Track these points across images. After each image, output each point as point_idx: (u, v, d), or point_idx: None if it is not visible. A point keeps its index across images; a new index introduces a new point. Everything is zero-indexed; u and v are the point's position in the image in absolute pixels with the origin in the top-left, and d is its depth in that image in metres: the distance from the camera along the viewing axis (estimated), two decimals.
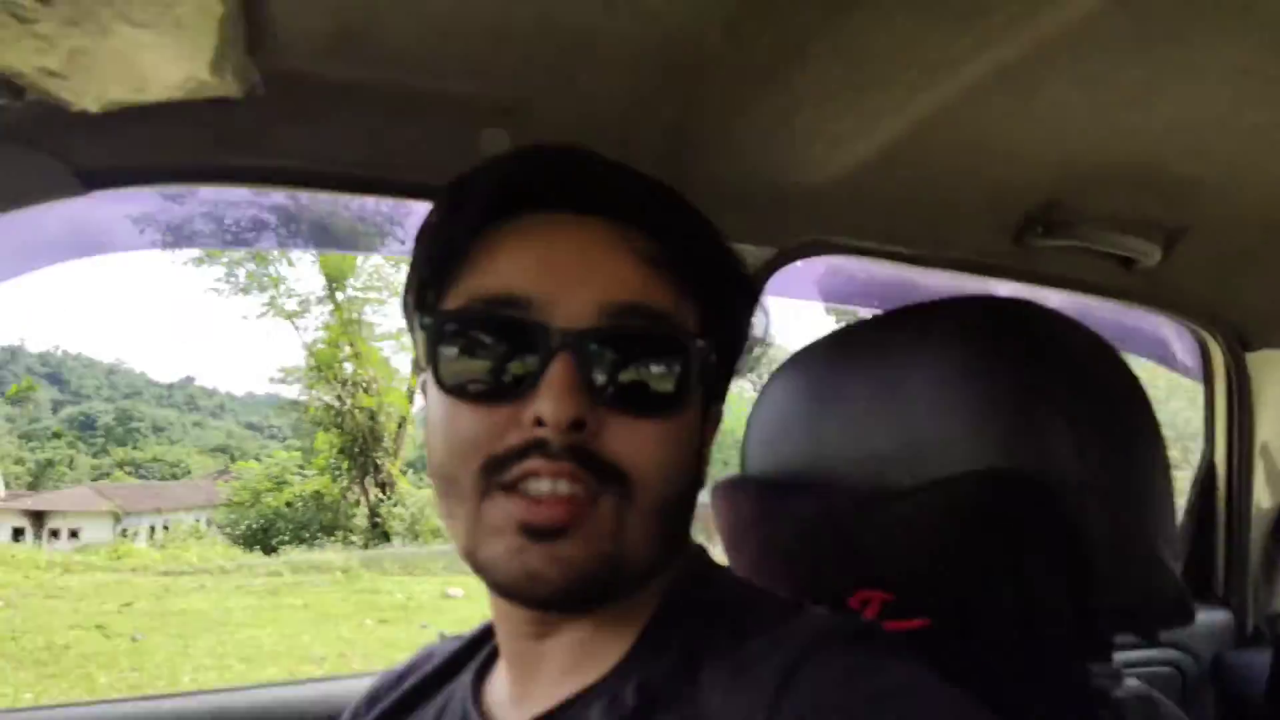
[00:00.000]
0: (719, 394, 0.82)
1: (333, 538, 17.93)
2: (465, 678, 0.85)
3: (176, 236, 1.57)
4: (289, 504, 21.48)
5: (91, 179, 0.96)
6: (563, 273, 0.69)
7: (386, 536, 19.45)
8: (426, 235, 0.76)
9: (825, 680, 0.61)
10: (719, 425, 0.83)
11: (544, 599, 0.68)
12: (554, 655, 0.74)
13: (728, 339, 0.79)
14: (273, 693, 1.41)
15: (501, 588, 0.69)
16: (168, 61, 0.82)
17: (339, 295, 22.63)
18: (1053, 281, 1.62)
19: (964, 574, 0.80)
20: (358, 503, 21.36)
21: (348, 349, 22.38)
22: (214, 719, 1.32)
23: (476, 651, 0.88)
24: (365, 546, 16.16)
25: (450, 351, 0.70)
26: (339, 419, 22.19)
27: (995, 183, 1.35)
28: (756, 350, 0.85)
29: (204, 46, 0.82)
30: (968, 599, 0.80)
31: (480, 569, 0.69)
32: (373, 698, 0.93)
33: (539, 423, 0.65)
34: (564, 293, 0.68)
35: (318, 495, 21.43)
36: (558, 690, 0.72)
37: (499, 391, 0.68)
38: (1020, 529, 0.77)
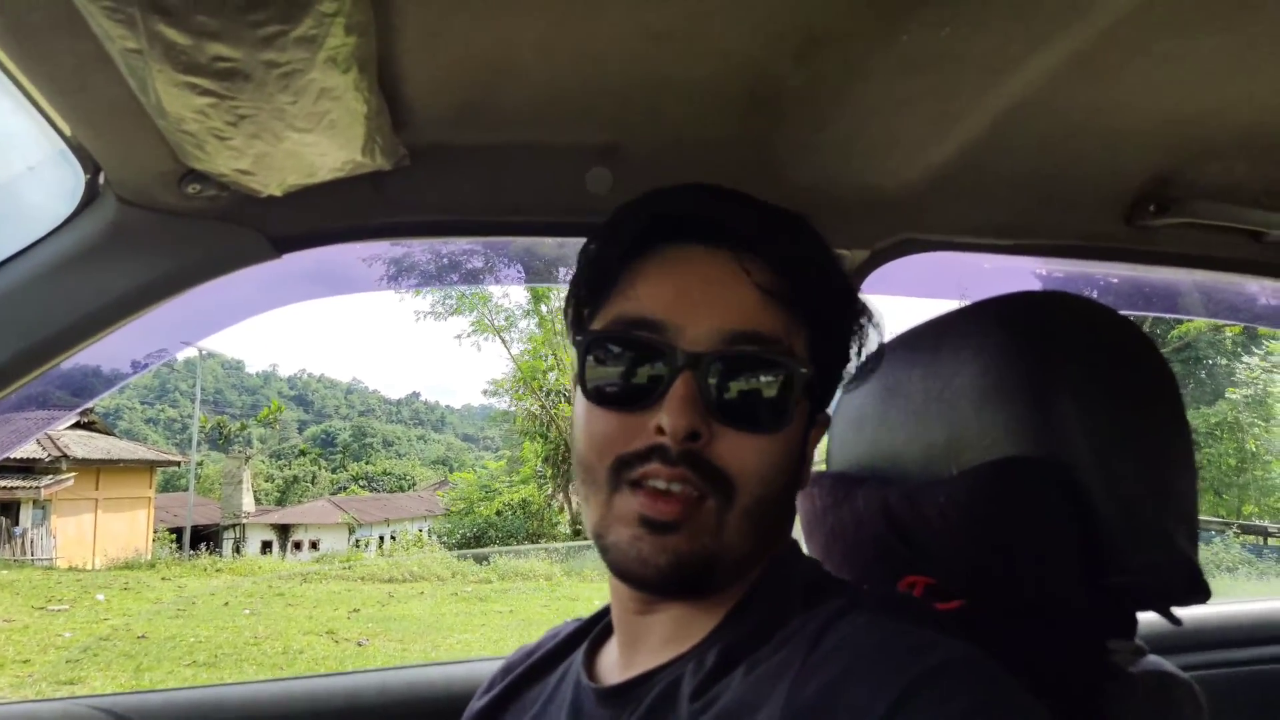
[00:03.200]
0: (824, 403, 0.91)
1: (538, 545, 18.59)
2: (581, 649, 0.99)
3: (399, 271, 1.84)
4: (498, 512, 22.36)
5: (282, 244, 1.20)
6: (690, 301, 0.81)
7: (588, 544, 19.85)
8: (584, 262, 0.90)
9: (848, 633, 0.72)
10: (825, 429, 0.93)
11: (651, 581, 0.80)
12: (655, 629, 0.87)
13: (833, 358, 0.88)
14: (419, 673, 1.61)
15: (618, 568, 0.82)
16: (329, 152, 1.05)
17: (543, 308, 23.58)
18: (1174, 260, 1.57)
19: (988, 555, 0.87)
20: (561, 510, 22.13)
21: (550, 359, 23.22)
22: (355, 694, 1.52)
23: (592, 629, 1.03)
24: (567, 555, 16.78)
25: (595, 363, 0.84)
26: (543, 428, 23.05)
27: (1096, 165, 1.35)
28: (868, 364, 0.93)
29: (355, 136, 1.03)
30: (993, 578, 0.87)
31: (604, 550, 0.83)
32: (506, 669, 1.08)
33: (660, 431, 0.78)
34: (690, 319, 0.80)
35: (524, 503, 22.25)
36: (656, 657, 0.85)
37: (631, 400, 0.81)
38: (1035, 512, 0.83)
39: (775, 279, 0.82)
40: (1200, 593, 0.82)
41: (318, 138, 0.99)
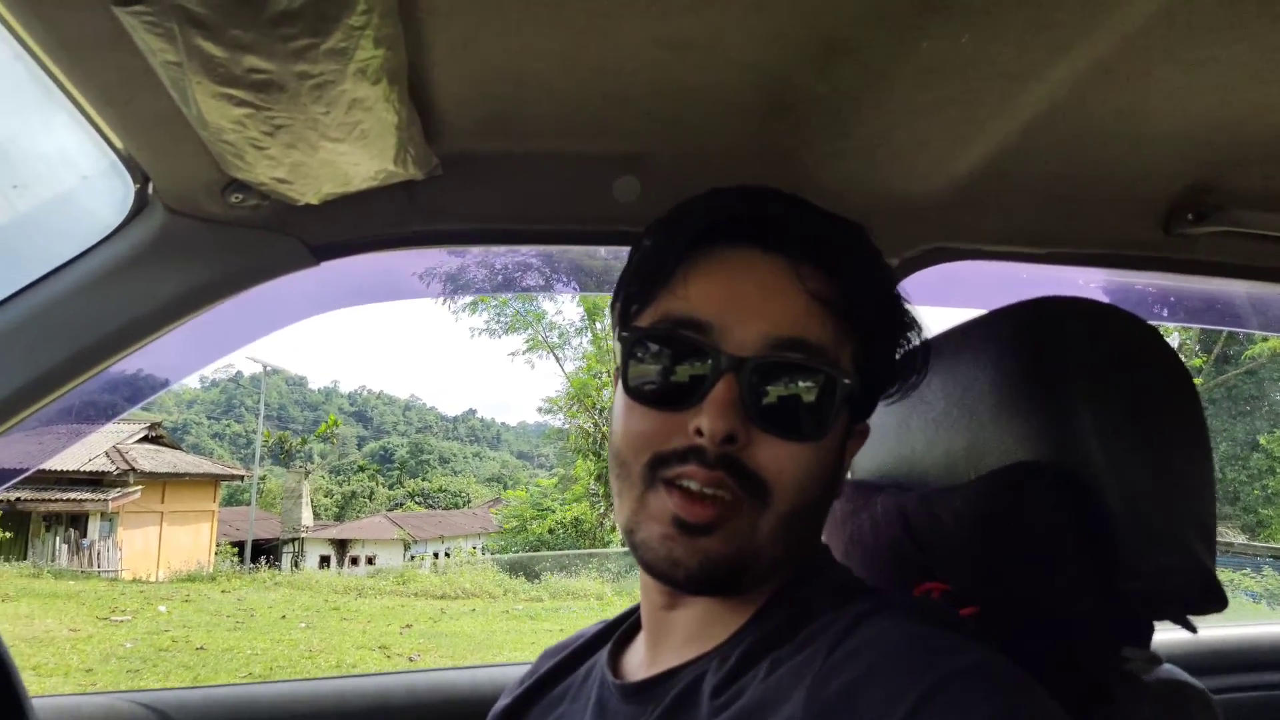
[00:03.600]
0: (865, 415, 0.91)
1: (589, 565, 18.67)
2: (606, 647, 1.00)
3: (454, 284, 1.87)
4: (551, 530, 22.49)
5: (320, 252, 1.25)
6: (739, 304, 0.81)
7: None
8: (637, 257, 0.90)
9: (872, 634, 0.71)
10: (864, 439, 0.93)
11: (681, 582, 0.81)
12: (680, 625, 0.88)
13: (878, 370, 0.88)
14: (446, 675, 1.64)
15: (648, 565, 0.82)
16: (362, 161, 1.09)
17: (596, 325, 23.69)
18: (1216, 270, 1.53)
19: (1001, 561, 0.87)
20: (614, 529, 22.08)
21: (604, 376, 23.27)
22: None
23: (618, 628, 1.04)
24: (618, 575, 16.79)
25: (638, 360, 0.84)
26: (596, 445, 23.10)
27: (1129, 172, 1.33)
28: (912, 380, 0.92)
29: (387, 146, 1.07)
30: (1006, 583, 0.86)
31: (634, 546, 0.83)
32: (532, 669, 1.10)
33: (699, 432, 0.78)
34: (737, 322, 0.80)
35: (577, 522, 22.32)
36: (680, 654, 0.86)
37: (671, 399, 0.81)
38: (1047, 518, 0.82)
39: (828, 287, 0.82)
40: (1216, 600, 0.81)
41: (351, 147, 1.04)
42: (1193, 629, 0.83)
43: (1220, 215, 1.40)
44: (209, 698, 1.50)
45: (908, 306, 0.89)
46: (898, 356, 0.89)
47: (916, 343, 0.89)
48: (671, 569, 0.80)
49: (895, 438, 1.09)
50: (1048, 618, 0.83)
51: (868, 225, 1.34)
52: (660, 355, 0.82)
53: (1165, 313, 1.95)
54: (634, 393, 0.83)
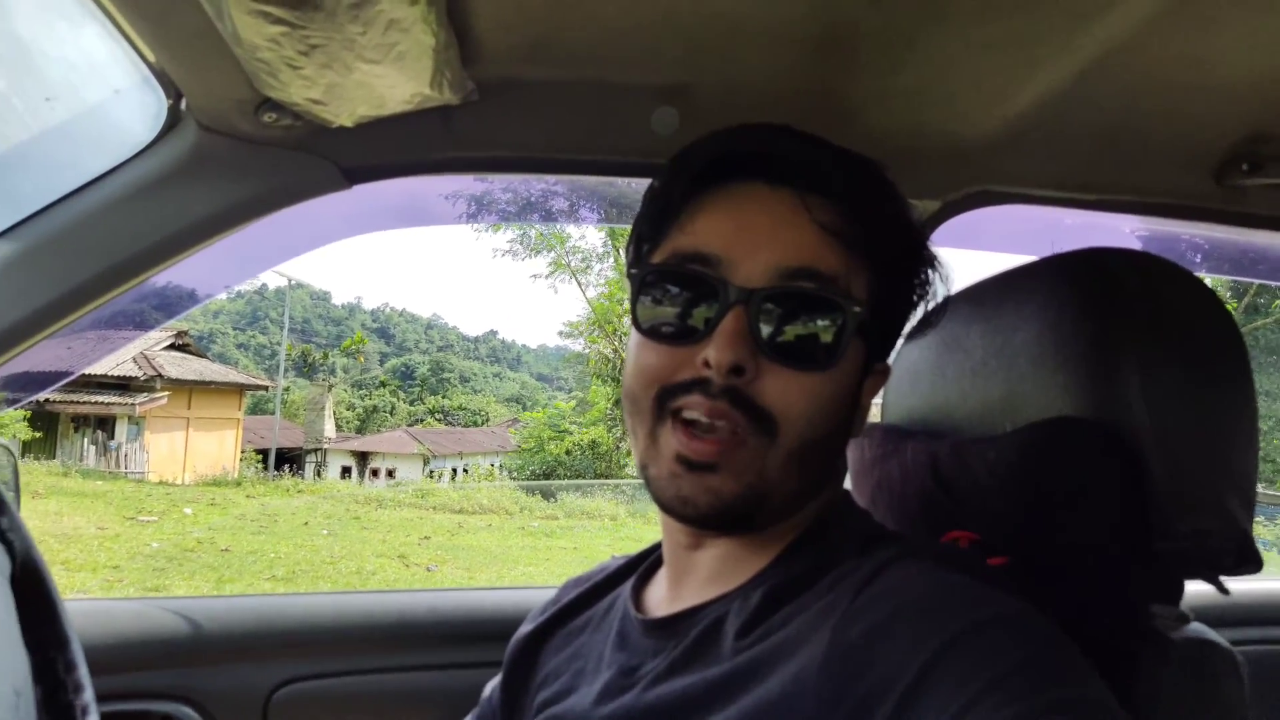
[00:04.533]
0: (883, 352, 0.90)
1: (605, 487, 18.87)
2: (630, 582, 1.01)
3: (479, 208, 1.87)
4: (568, 452, 22.70)
5: (353, 174, 1.23)
6: (748, 237, 0.81)
7: None
8: (649, 197, 0.90)
9: (899, 579, 0.71)
10: (884, 380, 0.91)
11: (692, 519, 0.82)
12: (703, 564, 0.88)
13: (895, 301, 0.87)
14: (470, 595, 1.66)
15: (661, 503, 0.83)
16: (398, 84, 1.06)
17: (620, 251, 23.52)
18: (1269, 224, 1.49)
19: (1034, 513, 0.86)
20: (629, 453, 22.19)
21: (625, 303, 23.09)
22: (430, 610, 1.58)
23: (641, 563, 1.05)
24: (633, 496, 17.01)
25: (648, 297, 0.84)
26: (615, 371, 23.11)
27: (1186, 120, 1.28)
28: (932, 315, 0.91)
29: (423, 69, 1.05)
30: (1038, 536, 0.86)
31: (647, 482, 0.84)
32: (556, 598, 1.11)
33: (706, 364, 0.78)
34: (746, 255, 0.80)
35: (594, 444, 22.52)
36: (703, 594, 0.86)
37: (681, 334, 0.81)
38: (1084, 473, 0.81)
39: (837, 217, 0.81)
40: (1252, 563, 0.80)
41: (386, 69, 1.01)
42: (1225, 590, 0.83)
43: (1275, 166, 1.35)
44: (235, 607, 1.54)
45: (923, 240, 0.88)
46: (917, 294, 0.88)
47: (935, 278, 0.88)
48: (682, 506, 0.80)
49: (929, 384, 1.07)
50: (1077, 573, 0.83)
51: (912, 166, 1.32)
52: (669, 291, 0.83)
53: (1204, 262, 1.92)
54: (645, 329, 0.84)
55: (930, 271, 0.88)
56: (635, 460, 0.86)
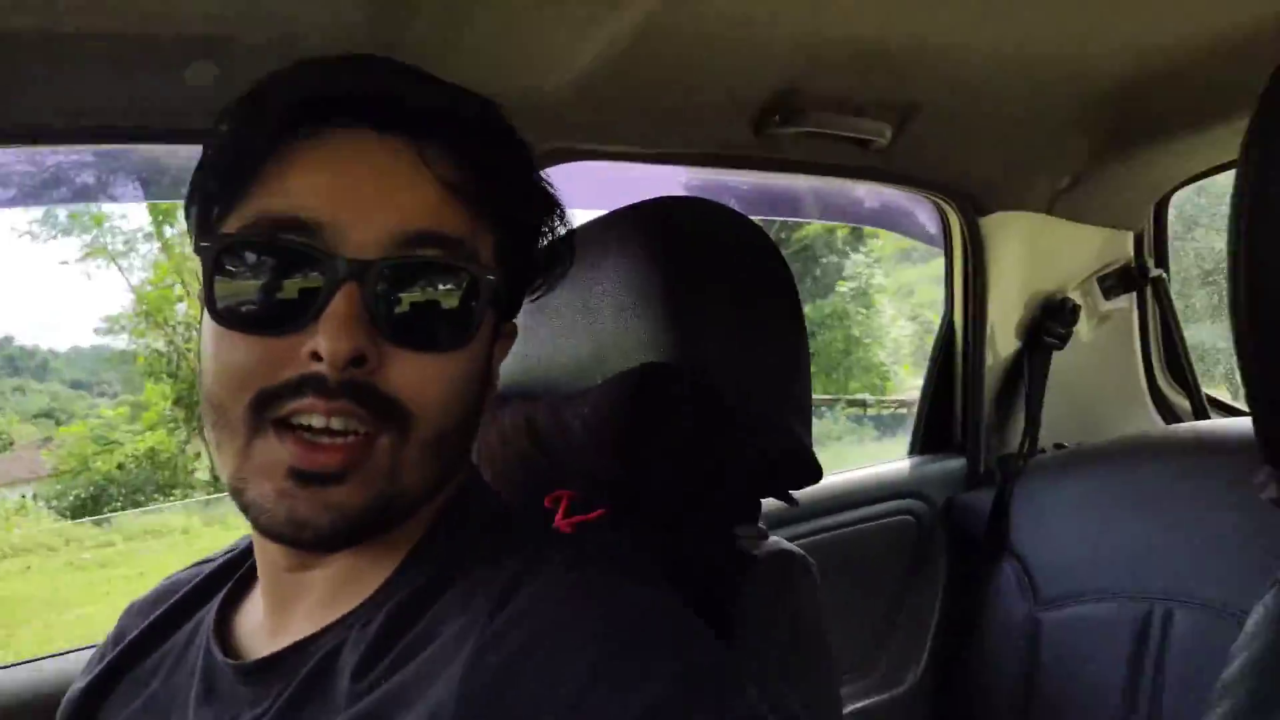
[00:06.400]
0: (511, 314, 0.81)
1: (172, 497, 17.34)
2: (213, 606, 0.82)
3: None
4: (120, 466, 20.61)
5: None
6: (356, 197, 0.66)
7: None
8: (214, 148, 0.71)
9: (532, 595, 0.64)
10: (513, 339, 0.83)
11: (310, 543, 0.67)
12: (313, 586, 0.73)
13: (523, 262, 0.78)
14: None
15: (265, 530, 0.67)
16: None
17: (168, 230, 21.48)
18: (797, 168, 1.69)
19: (625, 460, 0.88)
20: (198, 455, 20.74)
21: (179, 288, 21.45)
22: None
23: (229, 576, 0.86)
24: (207, 503, 15.71)
25: (227, 276, 0.67)
26: (172, 366, 21.34)
27: (730, 75, 1.39)
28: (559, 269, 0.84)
29: None
30: (632, 482, 0.88)
31: (244, 507, 0.67)
32: (116, 637, 0.89)
33: (316, 357, 0.63)
34: (355, 220, 0.65)
35: (152, 453, 20.64)
36: (313, 621, 0.71)
37: (276, 321, 0.65)
38: (669, 416, 0.85)
39: (460, 172, 0.70)
40: (813, 475, 0.90)
41: None
42: (794, 503, 0.93)
43: (801, 117, 1.51)
44: None
45: (549, 187, 0.81)
46: (546, 251, 0.81)
47: (560, 228, 0.82)
48: (297, 531, 0.66)
49: (523, 345, 1.02)
50: (667, 510, 0.87)
51: None
52: (257, 267, 0.66)
53: (744, 206, 2.13)
54: (226, 317, 0.66)
55: (557, 222, 0.81)
56: (225, 481, 0.70)
